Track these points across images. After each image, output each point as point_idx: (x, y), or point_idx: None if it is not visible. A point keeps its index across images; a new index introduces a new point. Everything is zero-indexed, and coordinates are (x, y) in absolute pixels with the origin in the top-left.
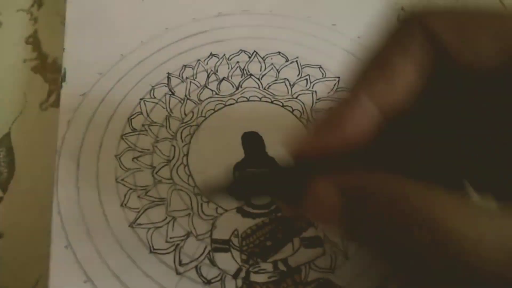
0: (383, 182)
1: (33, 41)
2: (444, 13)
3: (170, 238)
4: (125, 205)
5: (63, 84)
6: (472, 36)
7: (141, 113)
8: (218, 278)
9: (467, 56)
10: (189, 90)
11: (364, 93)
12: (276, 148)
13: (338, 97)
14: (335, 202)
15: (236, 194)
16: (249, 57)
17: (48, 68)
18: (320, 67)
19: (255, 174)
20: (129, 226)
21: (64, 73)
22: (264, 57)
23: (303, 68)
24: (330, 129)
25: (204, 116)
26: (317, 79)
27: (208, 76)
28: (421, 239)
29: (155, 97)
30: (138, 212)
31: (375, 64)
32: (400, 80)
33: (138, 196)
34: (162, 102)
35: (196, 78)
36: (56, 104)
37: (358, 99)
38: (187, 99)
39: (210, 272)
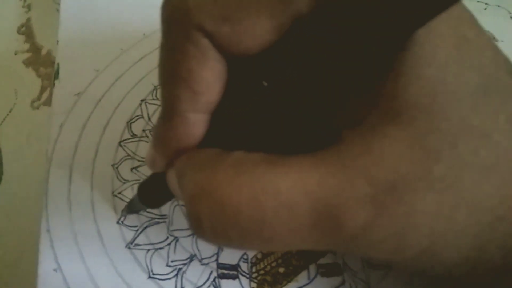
0: (184, 162)
1: (26, 30)
2: (207, 3)
3: (172, 261)
4: (122, 222)
5: (56, 82)
6: (234, 19)
7: (142, 117)
8: None
9: (239, 44)
10: None
11: (189, 106)
12: None
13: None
14: (177, 187)
15: (146, 203)
16: None
17: (41, 62)
18: None
19: (143, 184)
20: (126, 246)
21: (57, 69)
22: None
23: None
24: (164, 145)
25: None
26: None
27: None
28: (200, 215)
29: (157, 99)
30: (137, 230)
31: (182, 82)
32: (208, 90)
33: (139, 213)
34: None
35: None
36: (49, 102)
37: (182, 114)
38: None
39: None
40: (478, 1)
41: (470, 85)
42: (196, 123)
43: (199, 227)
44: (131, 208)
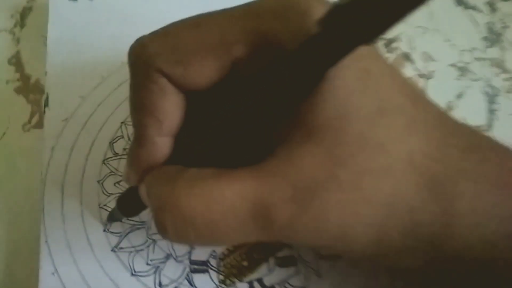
0: (150, 178)
1: (16, 62)
2: (161, 44)
3: (151, 260)
4: (108, 230)
5: (46, 109)
6: (185, 63)
7: (123, 137)
8: None
9: (190, 82)
10: None
11: (155, 131)
12: None
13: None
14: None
15: (124, 213)
16: None
17: (30, 89)
18: None
19: (121, 197)
20: (111, 250)
21: (47, 97)
22: None
23: None
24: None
25: None
26: None
27: None
28: (164, 222)
29: None
30: (120, 236)
31: (148, 112)
32: (169, 117)
33: (121, 221)
34: None
35: None
36: (38, 125)
37: (149, 138)
38: None
39: None
40: (418, 26)
41: (368, 108)
42: (161, 145)
43: (165, 232)
44: (111, 217)
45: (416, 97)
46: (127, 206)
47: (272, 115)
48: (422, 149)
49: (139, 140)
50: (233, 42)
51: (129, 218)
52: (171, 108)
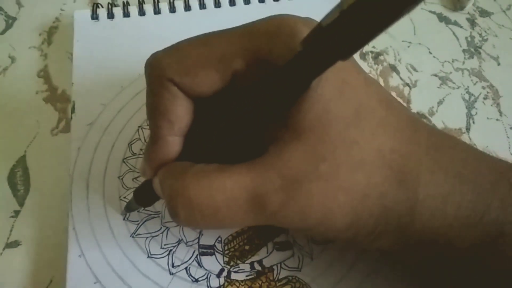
0: (167, 173)
1: (44, 74)
2: (173, 59)
3: (165, 245)
4: (127, 219)
5: (73, 115)
6: (192, 74)
7: (139, 139)
8: (205, 277)
9: (196, 89)
10: None
11: (167, 131)
12: None
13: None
14: (160, 192)
15: (139, 203)
16: None
17: (57, 99)
18: None
19: (137, 189)
20: (130, 236)
21: (73, 105)
22: None
23: None
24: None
25: None
26: None
27: None
28: (176, 209)
29: None
30: (138, 224)
31: (161, 115)
32: (180, 120)
33: (138, 211)
34: None
35: None
36: (65, 130)
37: (163, 137)
38: None
39: (197, 272)
40: (403, 41)
41: (345, 112)
42: (172, 143)
43: (177, 217)
44: (129, 207)
45: (388, 102)
46: (142, 198)
47: (266, 118)
48: (391, 145)
49: (154, 139)
50: (232, 58)
51: (144, 208)
52: (181, 112)
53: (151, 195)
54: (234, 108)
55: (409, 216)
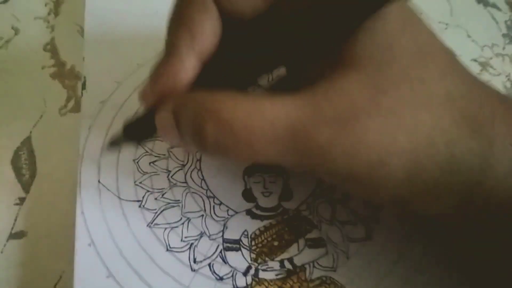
0: (190, 98)
1: (51, 48)
2: None
3: (185, 237)
4: (143, 206)
5: (84, 92)
6: None
7: None
8: (230, 275)
9: (235, 5)
10: None
11: (185, 47)
12: None
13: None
14: (172, 124)
15: (129, 139)
16: None
17: (66, 75)
18: None
19: (128, 123)
20: (147, 226)
21: (84, 81)
22: None
23: None
24: (162, 80)
25: None
26: None
27: None
28: (203, 126)
29: None
30: (155, 213)
31: (183, 25)
32: (203, 35)
33: (155, 198)
34: None
35: None
36: (75, 109)
37: (178, 53)
38: None
39: (222, 269)
40: (439, 22)
41: (411, 47)
42: (188, 66)
43: (204, 139)
44: (114, 142)
45: (453, 51)
46: (134, 132)
47: (316, 49)
48: (460, 89)
49: (168, 53)
50: None
51: (165, 197)
52: (207, 26)
53: (145, 130)
54: (275, 37)
55: (481, 171)
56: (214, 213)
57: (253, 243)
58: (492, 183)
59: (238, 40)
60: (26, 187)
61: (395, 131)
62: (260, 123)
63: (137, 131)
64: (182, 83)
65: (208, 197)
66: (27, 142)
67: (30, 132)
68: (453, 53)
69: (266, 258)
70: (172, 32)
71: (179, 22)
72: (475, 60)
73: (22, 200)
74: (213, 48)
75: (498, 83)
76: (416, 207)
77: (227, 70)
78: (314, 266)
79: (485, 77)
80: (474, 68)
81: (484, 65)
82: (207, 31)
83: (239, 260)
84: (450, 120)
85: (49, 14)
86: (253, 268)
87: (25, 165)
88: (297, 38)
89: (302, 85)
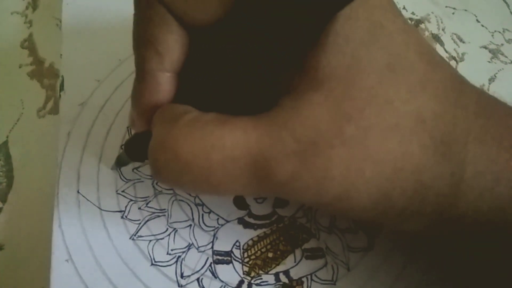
0: (155, 116)
1: (29, 45)
2: None
3: (172, 250)
4: (126, 217)
5: (62, 93)
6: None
7: None
8: None
9: (191, 15)
10: None
11: (157, 69)
12: None
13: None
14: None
15: (132, 158)
16: None
17: (44, 74)
18: None
19: (128, 142)
20: (130, 238)
21: (62, 81)
22: None
23: None
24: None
25: None
26: None
27: None
28: (157, 164)
29: None
30: (139, 224)
31: (148, 44)
32: (170, 51)
33: (139, 208)
34: None
35: None
36: (54, 111)
37: (150, 72)
38: None
39: (212, 284)
40: (446, 6)
41: (378, 63)
42: (162, 81)
43: (158, 173)
44: (119, 162)
45: (430, 56)
46: (134, 150)
47: (278, 59)
48: (433, 108)
49: (140, 75)
50: None
51: (149, 206)
52: (172, 42)
53: (144, 148)
54: (237, 44)
55: (451, 196)
56: (203, 222)
57: (245, 254)
58: (463, 208)
59: (207, 43)
60: (3, 197)
61: (360, 162)
62: (220, 159)
63: (138, 148)
64: (163, 99)
65: (197, 205)
66: (3, 147)
67: (7, 136)
68: (432, 62)
69: (260, 271)
70: (141, 55)
71: (145, 43)
72: (485, 47)
73: None
74: (183, 56)
75: (510, 72)
76: (388, 226)
77: (204, 71)
78: (312, 279)
79: (497, 65)
80: (484, 56)
81: (495, 53)
82: (174, 47)
83: (230, 274)
84: (419, 144)
85: (27, 8)
86: (246, 283)
87: (1, 172)
88: (260, 44)
89: (267, 98)
